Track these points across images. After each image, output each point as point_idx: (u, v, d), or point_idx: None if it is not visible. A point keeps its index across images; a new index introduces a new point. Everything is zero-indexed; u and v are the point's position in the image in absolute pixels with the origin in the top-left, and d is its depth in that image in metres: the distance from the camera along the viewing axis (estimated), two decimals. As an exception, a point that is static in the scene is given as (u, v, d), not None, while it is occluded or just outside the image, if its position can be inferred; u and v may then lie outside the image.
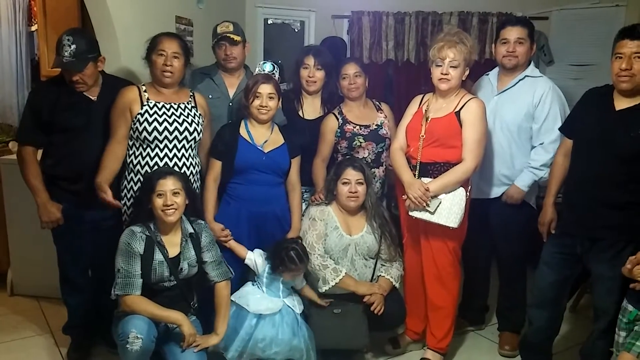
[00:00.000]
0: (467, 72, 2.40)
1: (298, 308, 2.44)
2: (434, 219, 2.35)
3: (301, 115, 2.79)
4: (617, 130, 2.09)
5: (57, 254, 2.53)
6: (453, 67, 2.34)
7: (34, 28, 4.05)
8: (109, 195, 2.26)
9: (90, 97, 2.41)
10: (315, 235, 2.51)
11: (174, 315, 2.14)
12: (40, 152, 2.47)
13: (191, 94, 2.52)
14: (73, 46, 2.28)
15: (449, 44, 2.33)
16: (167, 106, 2.41)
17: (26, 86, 4.08)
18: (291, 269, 2.36)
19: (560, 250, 2.27)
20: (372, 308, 2.47)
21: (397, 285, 2.59)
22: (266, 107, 2.44)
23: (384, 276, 2.58)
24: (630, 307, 2.00)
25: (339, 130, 2.71)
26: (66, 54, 2.28)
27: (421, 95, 2.55)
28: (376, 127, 2.75)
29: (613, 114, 2.12)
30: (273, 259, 2.39)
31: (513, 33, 2.55)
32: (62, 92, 2.38)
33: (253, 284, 2.47)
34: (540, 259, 2.35)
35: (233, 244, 2.48)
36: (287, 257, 2.34)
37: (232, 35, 2.68)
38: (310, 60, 2.73)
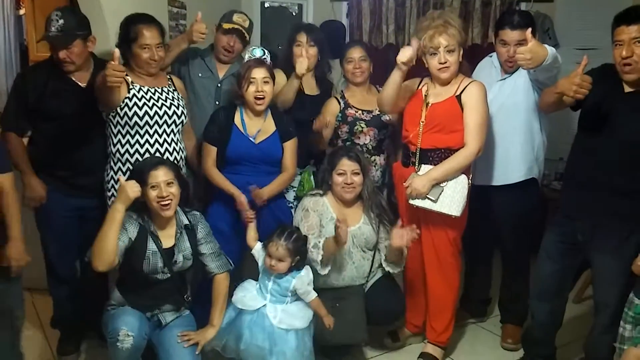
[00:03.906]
0: (461, 52, 2.30)
1: (280, 320, 2.20)
2: (436, 207, 2.28)
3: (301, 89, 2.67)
4: (626, 114, 2.00)
5: (42, 245, 2.45)
6: (450, 52, 2.25)
7: (22, 12, 3.95)
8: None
9: (80, 83, 2.32)
10: (307, 227, 2.41)
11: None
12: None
13: (169, 77, 2.48)
14: (61, 21, 2.21)
15: (439, 31, 2.23)
16: (152, 90, 2.35)
17: (15, 71, 4.00)
18: (272, 239, 2.20)
19: (561, 239, 2.22)
20: None
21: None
22: (262, 92, 2.36)
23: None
24: (637, 300, 1.95)
25: (340, 114, 2.66)
26: (53, 28, 2.21)
27: (419, 78, 2.46)
28: (379, 112, 2.68)
29: (622, 96, 2.04)
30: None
31: (513, 36, 2.42)
32: (50, 78, 2.29)
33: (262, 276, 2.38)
34: (541, 247, 2.30)
35: (252, 227, 2.38)
36: (280, 226, 2.27)
37: (245, 33, 2.65)
38: (303, 37, 2.67)
